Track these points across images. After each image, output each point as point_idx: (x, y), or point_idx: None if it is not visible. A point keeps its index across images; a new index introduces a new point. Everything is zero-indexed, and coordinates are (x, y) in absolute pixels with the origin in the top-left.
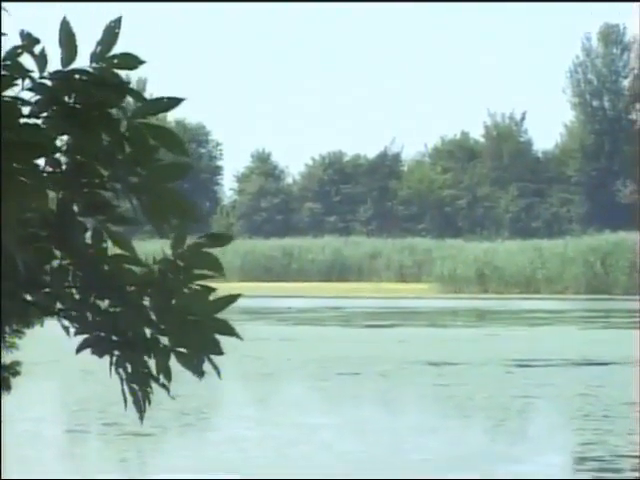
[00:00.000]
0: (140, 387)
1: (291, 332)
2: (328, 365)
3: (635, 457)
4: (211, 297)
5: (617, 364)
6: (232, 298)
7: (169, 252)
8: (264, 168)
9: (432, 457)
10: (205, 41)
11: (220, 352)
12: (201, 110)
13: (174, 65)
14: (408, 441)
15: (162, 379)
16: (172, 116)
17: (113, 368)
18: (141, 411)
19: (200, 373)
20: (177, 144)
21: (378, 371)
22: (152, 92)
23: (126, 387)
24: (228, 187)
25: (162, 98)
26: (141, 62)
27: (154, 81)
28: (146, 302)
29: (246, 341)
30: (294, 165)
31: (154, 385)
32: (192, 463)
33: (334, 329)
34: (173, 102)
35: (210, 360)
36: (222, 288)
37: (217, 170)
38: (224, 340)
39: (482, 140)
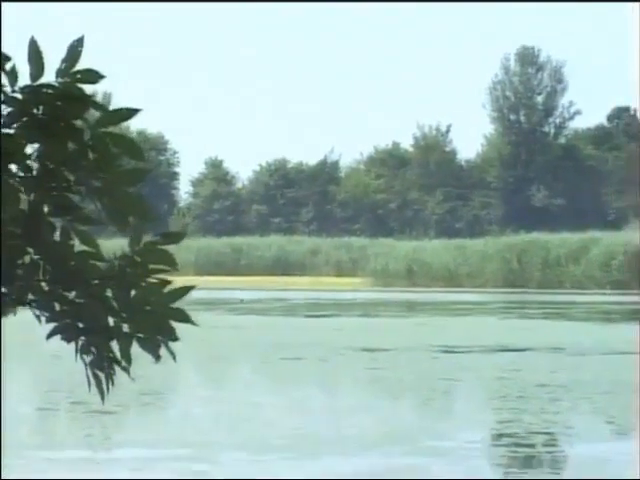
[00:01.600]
0: (104, 370)
1: (240, 321)
2: (273, 350)
3: (546, 433)
4: (167, 289)
5: (532, 350)
6: (186, 290)
7: (128, 249)
8: (216, 174)
9: (366, 433)
10: (167, 56)
11: (175, 338)
12: (160, 121)
13: (138, 79)
14: (345, 418)
15: (124, 364)
16: (134, 126)
17: (79, 353)
18: (103, 392)
19: (157, 357)
20: (136, 151)
21: (318, 356)
22: (118, 104)
23: (90, 371)
24: (184, 191)
25: (121, 109)
26: (101, 77)
27: (119, 95)
28: (109, 293)
29: (200, 328)
30: (243, 171)
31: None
32: (151, 437)
33: (278, 318)
34: (131, 112)
35: (166, 345)
36: (178, 281)
37: (174, 175)
38: (181, 327)
39: (411, 149)
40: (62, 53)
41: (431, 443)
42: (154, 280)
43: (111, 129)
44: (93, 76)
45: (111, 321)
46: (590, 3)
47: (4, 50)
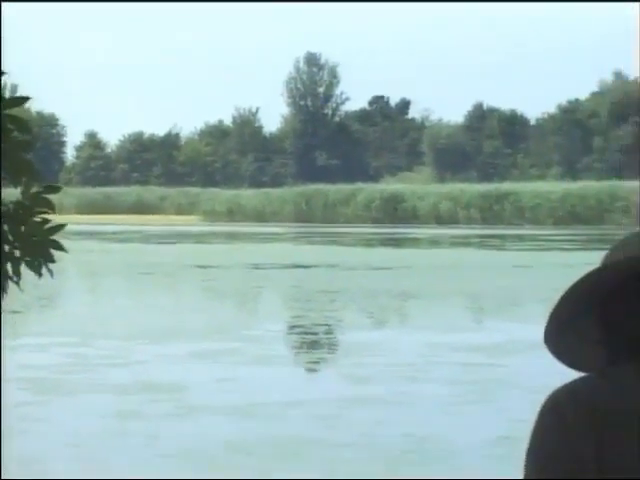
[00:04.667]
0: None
1: (110, 247)
2: (133, 268)
3: (325, 325)
4: (47, 226)
5: (315, 267)
6: (60, 226)
7: (20, 197)
8: (92, 142)
9: (199, 325)
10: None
11: (52, 261)
12: (54, 102)
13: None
14: (185, 315)
15: (15, 279)
16: (34, 108)
17: None
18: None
19: (40, 274)
20: (25, 128)
21: (164, 272)
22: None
23: None
24: (70, 154)
25: (17, 97)
26: (2, 73)
27: (24, 85)
28: (6, 228)
29: (81, 252)
30: (112, 140)
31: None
32: (46, 329)
33: (137, 245)
34: (21, 100)
35: (46, 266)
36: (65, 219)
37: (63, 143)
38: (67, 249)
39: (231, 125)
40: None
41: (245, 332)
42: (38, 219)
43: (8, 111)
44: None
45: (6, 248)
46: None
47: None
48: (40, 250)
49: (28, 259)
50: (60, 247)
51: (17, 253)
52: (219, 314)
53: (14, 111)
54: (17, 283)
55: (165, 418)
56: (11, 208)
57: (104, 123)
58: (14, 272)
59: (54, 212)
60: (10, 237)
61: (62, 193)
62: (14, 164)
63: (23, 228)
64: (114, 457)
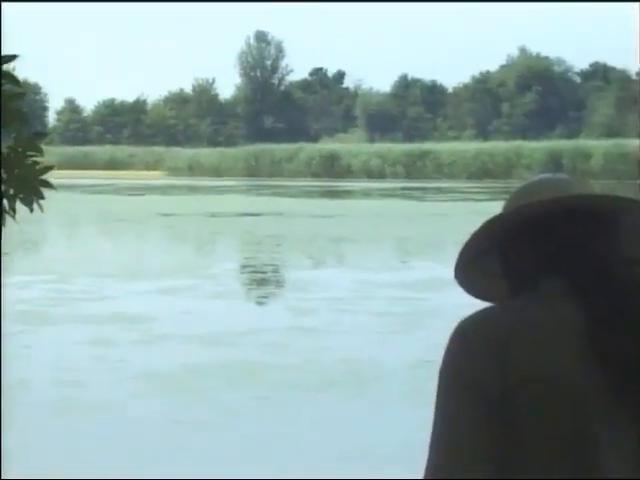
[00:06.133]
0: None
1: (87, 198)
2: (106, 216)
3: (272, 265)
4: (38, 167)
5: (264, 215)
6: (49, 168)
7: (12, 143)
8: (71, 107)
9: (164, 266)
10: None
11: (43, 197)
12: (37, 72)
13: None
14: (151, 257)
15: (12, 214)
16: (21, 76)
17: None
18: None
19: (31, 209)
20: (15, 81)
21: (135, 219)
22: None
23: None
24: (52, 117)
25: (5, 55)
26: None
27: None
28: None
29: (62, 202)
30: (88, 105)
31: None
32: (31, 269)
33: (110, 196)
34: (10, 57)
35: (38, 202)
36: (47, 174)
37: (45, 108)
38: (50, 202)
39: (191, 92)
40: None
41: (204, 271)
42: (29, 162)
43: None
44: None
45: (2, 187)
46: None
47: None
48: (32, 188)
49: (21, 196)
50: (50, 185)
51: (11, 191)
52: (181, 256)
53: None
54: (13, 217)
55: (134, 345)
56: (6, 152)
57: (81, 91)
58: (10, 208)
59: (43, 156)
60: (5, 177)
61: (45, 152)
62: (7, 113)
63: (17, 170)
64: (90, 378)
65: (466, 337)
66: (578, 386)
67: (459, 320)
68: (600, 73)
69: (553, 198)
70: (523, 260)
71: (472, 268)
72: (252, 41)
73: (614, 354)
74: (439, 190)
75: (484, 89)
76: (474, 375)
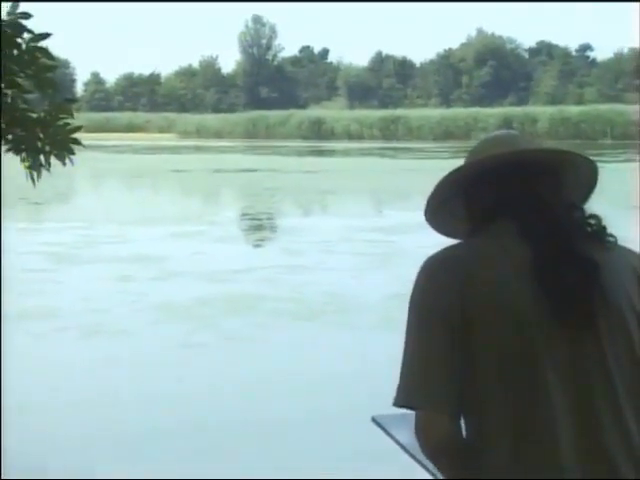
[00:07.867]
0: (36, 169)
1: (108, 157)
2: (126, 172)
3: (267, 213)
4: (68, 127)
5: (261, 171)
6: (78, 127)
7: (48, 107)
8: (96, 80)
9: (175, 214)
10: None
11: (73, 153)
12: (69, 50)
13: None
14: (165, 207)
15: (47, 167)
16: (54, 53)
17: (22, 161)
18: (35, 182)
19: (64, 163)
20: (49, 55)
21: (151, 175)
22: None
23: (28, 171)
24: (80, 88)
25: (41, 33)
26: (30, 16)
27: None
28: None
29: (87, 160)
30: (110, 78)
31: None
32: (61, 216)
33: (129, 155)
34: (45, 35)
35: (70, 158)
36: (75, 135)
37: (73, 82)
38: (80, 159)
39: (198, 67)
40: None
41: (209, 218)
42: (61, 123)
43: (34, 44)
44: (26, 15)
45: (39, 144)
46: None
47: None
48: (64, 144)
49: (55, 152)
50: (79, 142)
51: (47, 148)
52: (190, 205)
53: (38, 44)
54: (48, 169)
55: (151, 280)
56: (42, 115)
57: (104, 65)
58: (46, 162)
59: (73, 118)
60: (42, 136)
61: (74, 117)
62: (43, 82)
63: (51, 129)
64: (114, 308)
65: (432, 272)
66: (523, 314)
67: (425, 258)
68: (545, 50)
69: (506, 151)
70: (481, 205)
71: (441, 211)
72: (250, 24)
73: (556, 286)
74: (409, 150)
75: (447, 64)
76: (440, 305)
